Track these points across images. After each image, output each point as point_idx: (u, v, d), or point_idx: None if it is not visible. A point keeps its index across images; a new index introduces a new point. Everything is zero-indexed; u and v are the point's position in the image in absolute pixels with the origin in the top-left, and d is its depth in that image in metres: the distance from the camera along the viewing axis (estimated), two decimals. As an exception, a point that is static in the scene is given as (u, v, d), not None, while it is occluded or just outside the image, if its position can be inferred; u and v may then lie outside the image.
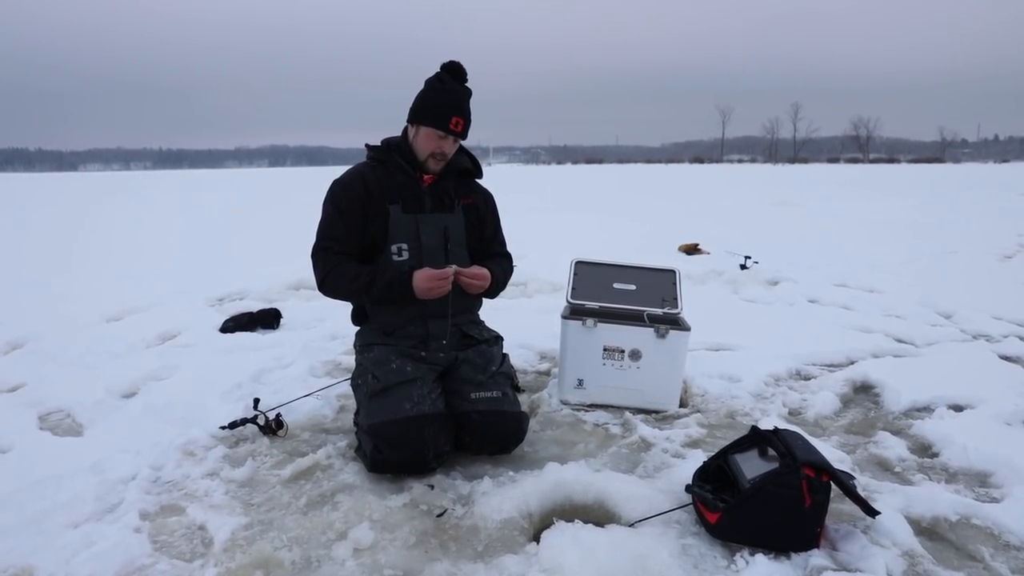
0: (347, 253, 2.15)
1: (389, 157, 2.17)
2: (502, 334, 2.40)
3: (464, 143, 2.26)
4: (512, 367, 2.31)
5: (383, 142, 2.23)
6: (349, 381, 2.26)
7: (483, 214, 2.32)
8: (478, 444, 2.09)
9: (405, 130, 2.21)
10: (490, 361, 2.19)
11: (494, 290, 2.25)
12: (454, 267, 2.07)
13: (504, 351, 2.33)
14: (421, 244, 2.14)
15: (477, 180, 2.36)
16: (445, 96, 2.11)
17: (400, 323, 2.17)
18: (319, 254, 2.16)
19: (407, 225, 2.14)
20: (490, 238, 2.37)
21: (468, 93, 2.15)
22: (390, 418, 1.93)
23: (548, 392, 2.67)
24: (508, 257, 2.43)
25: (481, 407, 2.05)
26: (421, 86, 2.16)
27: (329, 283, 2.14)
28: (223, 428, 2.25)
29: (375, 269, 2.11)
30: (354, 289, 2.10)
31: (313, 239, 2.19)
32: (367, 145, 2.25)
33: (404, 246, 2.13)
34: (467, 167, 2.28)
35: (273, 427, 2.26)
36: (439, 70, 2.15)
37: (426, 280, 2.03)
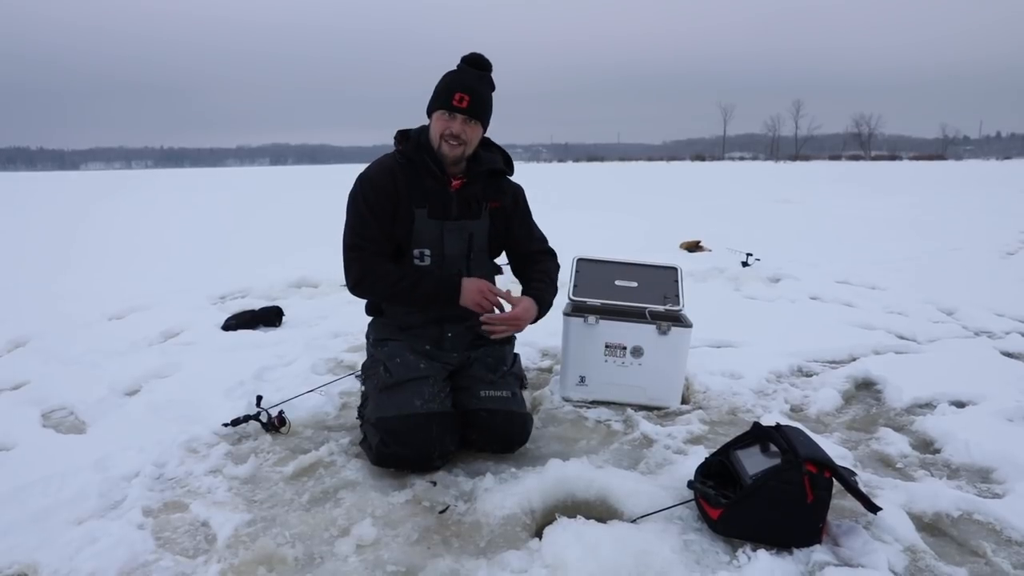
0: (381, 254, 2.08)
1: (419, 157, 2.07)
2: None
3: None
4: (522, 368, 2.31)
5: (412, 139, 2.12)
6: (354, 374, 2.26)
7: (510, 215, 2.24)
8: (483, 441, 2.09)
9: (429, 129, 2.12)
10: (501, 361, 2.20)
11: (541, 313, 2.17)
12: (506, 295, 2.07)
13: (515, 351, 2.33)
14: (444, 251, 2.11)
15: (509, 177, 2.25)
16: (450, 77, 2.05)
17: (417, 323, 2.17)
18: (353, 253, 2.07)
19: (432, 231, 2.09)
20: (523, 237, 2.29)
21: (481, 76, 2.06)
22: (400, 413, 1.93)
23: (550, 389, 2.67)
24: (550, 255, 2.33)
25: (490, 405, 2.05)
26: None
27: (367, 284, 2.07)
28: (226, 425, 2.26)
29: (419, 271, 2.08)
30: (397, 291, 2.05)
31: (340, 239, 2.12)
32: (397, 137, 2.16)
33: (427, 251, 2.10)
34: (498, 167, 2.18)
35: (276, 424, 2.27)
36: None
37: (476, 293, 2.03)
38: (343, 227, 2.12)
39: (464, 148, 2.06)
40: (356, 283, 2.09)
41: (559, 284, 2.29)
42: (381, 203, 2.06)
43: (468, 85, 2.02)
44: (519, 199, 2.29)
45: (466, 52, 2.11)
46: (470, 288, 2.04)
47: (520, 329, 2.12)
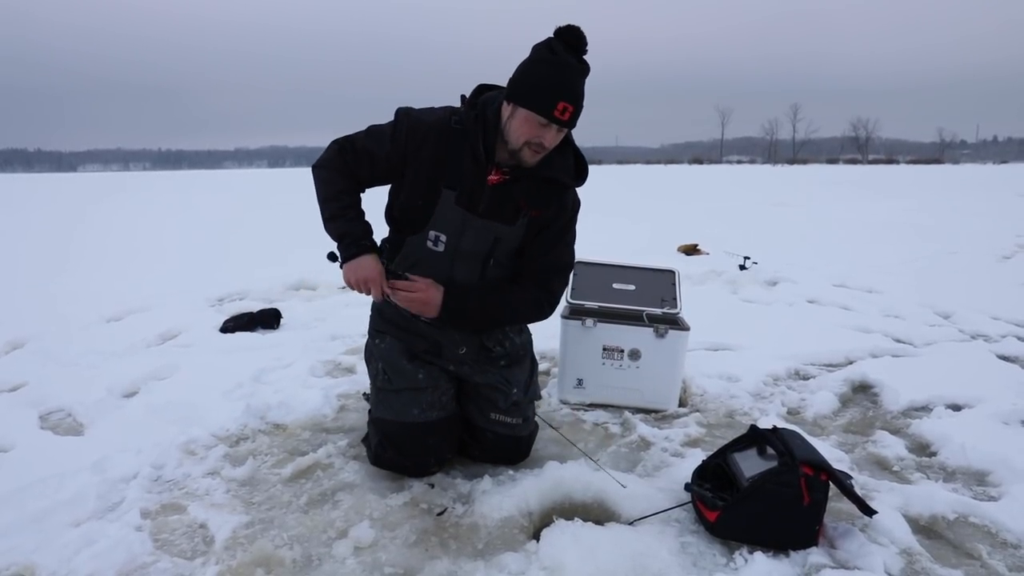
0: (349, 172, 1.87)
1: (473, 133, 1.77)
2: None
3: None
4: (538, 384, 2.18)
5: (479, 109, 1.79)
6: (362, 393, 2.24)
7: (544, 226, 1.90)
8: (485, 458, 2.09)
9: (501, 104, 1.77)
10: (514, 385, 2.03)
11: (449, 312, 1.83)
12: (393, 291, 1.81)
13: (534, 358, 2.17)
14: (460, 245, 1.84)
15: (572, 188, 1.92)
16: (554, 72, 1.65)
17: (416, 327, 1.98)
18: (337, 148, 1.89)
19: (454, 219, 1.81)
20: (535, 252, 1.92)
21: (584, 70, 1.70)
22: (397, 420, 1.92)
23: (548, 392, 2.68)
24: (542, 288, 1.94)
25: (499, 430, 2.02)
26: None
27: (318, 176, 1.89)
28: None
29: (347, 210, 1.85)
30: (321, 203, 1.87)
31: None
32: (472, 93, 1.86)
33: (443, 237, 1.83)
34: (558, 178, 1.84)
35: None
36: (551, 36, 1.70)
37: (358, 277, 1.79)
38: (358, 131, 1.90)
39: (544, 152, 1.77)
40: (316, 166, 1.91)
41: (527, 314, 1.99)
42: (392, 152, 1.82)
43: (576, 90, 1.68)
44: (563, 215, 1.92)
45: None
46: (357, 267, 1.79)
47: (419, 303, 1.81)
